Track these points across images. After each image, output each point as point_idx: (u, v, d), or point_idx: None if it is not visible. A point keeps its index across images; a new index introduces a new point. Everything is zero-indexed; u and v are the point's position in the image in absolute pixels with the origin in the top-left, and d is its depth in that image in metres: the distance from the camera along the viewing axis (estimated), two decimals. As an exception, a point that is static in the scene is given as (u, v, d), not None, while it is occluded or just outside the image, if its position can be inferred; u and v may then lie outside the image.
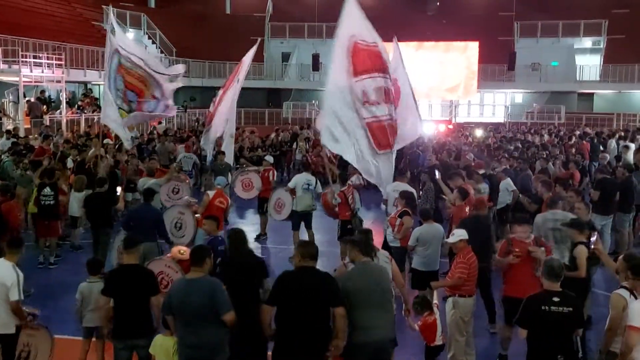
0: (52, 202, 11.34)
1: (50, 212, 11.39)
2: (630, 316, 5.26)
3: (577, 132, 25.54)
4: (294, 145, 22.16)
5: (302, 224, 12.15)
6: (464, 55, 38.45)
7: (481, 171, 12.30)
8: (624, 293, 5.65)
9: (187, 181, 13.71)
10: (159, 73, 13.72)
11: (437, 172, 11.81)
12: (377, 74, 9.39)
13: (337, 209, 11.21)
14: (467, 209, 9.75)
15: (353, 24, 9.09)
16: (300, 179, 12.31)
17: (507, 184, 12.19)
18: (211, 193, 10.98)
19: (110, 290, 6.24)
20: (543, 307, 5.43)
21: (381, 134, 9.45)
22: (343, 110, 9.08)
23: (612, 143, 21.50)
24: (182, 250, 7.80)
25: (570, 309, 5.39)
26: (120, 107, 13.15)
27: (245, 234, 6.84)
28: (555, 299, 5.42)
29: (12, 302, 6.25)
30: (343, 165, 15.22)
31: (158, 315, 6.13)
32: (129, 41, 15.11)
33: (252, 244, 12.88)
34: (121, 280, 6.24)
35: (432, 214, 9.55)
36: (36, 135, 19.81)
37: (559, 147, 19.37)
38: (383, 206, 10.90)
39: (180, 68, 15.40)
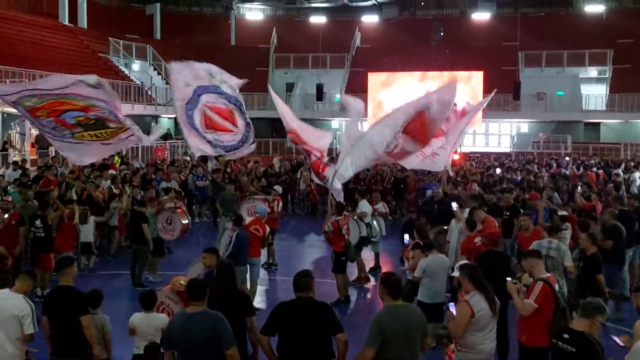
0: (42, 235, 11.04)
1: (41, 245, 11.07)
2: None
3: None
4: (298, 175, 22.06)
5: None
6: (469, 85, 38.53)
7: (562, 212, 11.52)
8: None
9: (178, 205, 13.67)
10: None
11: (454, 204, 11.58)
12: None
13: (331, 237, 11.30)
14: (476, 240, 9.62)
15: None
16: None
17: None
18: (248, 219, 11.30)
19: (45, 310, 6.51)
20: (554, 340, 5.38)
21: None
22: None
23: (620, 173, 21.34)
24: (181, 281, 7.68)
25: (574, 349, 5.21)
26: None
27: (233, 266, 6.80)
28: (565, 336, 5.30)
29: (26, 336, 6.20)
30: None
31: (89, 335, 6.36)
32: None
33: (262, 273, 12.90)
34: (54, 301, 6.49)
35: None
36: (42, 166, 19.84)
37: (560, 178, 19.18)
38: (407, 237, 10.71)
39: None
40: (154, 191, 14.27)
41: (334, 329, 5.65)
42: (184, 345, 5.48)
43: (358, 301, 11.77)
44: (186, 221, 13.21)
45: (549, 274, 7.10)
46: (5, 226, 10.57)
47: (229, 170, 20.50)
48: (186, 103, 11.05)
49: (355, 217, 12.21)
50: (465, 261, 7.52)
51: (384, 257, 13.69)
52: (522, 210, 11.69)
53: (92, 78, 10.23)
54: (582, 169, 22.13)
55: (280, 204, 14.44)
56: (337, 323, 5.71)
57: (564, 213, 11.22)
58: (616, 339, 6.38)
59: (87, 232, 12.93)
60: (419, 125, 9.71)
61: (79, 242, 12.79)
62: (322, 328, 5.66)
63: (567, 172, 21.42)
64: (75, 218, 12.52)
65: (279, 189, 14.73)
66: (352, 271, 12.26)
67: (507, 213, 12.23)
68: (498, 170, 21.21)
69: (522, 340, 6.76)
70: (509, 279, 7.14)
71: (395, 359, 5.58)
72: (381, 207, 13.61)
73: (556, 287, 6.91)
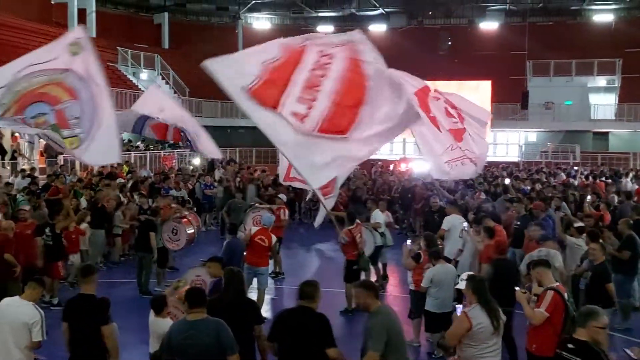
0: (50, 243, 11.08)
1: (50, 253, 11.09)
2: None
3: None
4: (306, 185, 22.03)
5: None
6: (476, 94, 38.35)
7: (578, 224, 11.28)
8: None
9: (184, 215, 13.63)
10: None
11: (465, 224, 11.38)
12: (290, 82, 6.77)
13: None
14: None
15: (231, 81, 7.02)
16: None
17: None
18: (254, 229, 11.25)
19: (66, 316, 6.42)
20: (558, 351, 5.32)
21: (333, 122, 6.87)
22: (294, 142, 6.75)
23: (629, 183, 21.28)
24: None
25: (579, 359, 5.14)
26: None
27: (241, 274, 6.79)
28: (570, 346, 5.23)
29: (34, 343, 6.22)
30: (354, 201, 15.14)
31: (110, 345, 6.31)
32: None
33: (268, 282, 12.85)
34: (76, 308, 6.40)
35: None
36: (51, 174, 19.91)
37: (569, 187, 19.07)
38: (409, 242, 10.60)
39: None
40: (170, 199, 14.32)
41: (328, 343, 5.66)
42: (186, 352, 5.46)
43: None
44: (191, 231, 13.20)
45: (558, 283, 7.05)
46: (18, 235, 10.51)
47: (238, 179, 20.54)
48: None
49: (369, 228, 12.19)
50: (471, 272, 7.47)
51: (391, 267, 13.62)
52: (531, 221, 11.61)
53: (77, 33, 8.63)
54: (590, 179, 22.03)
55: (286, 212, 14.42)
56: (332, 337, 5.72)
57: (580, 224, 11.13)
58: (628, 351, 6.33)
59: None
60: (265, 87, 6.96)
61: None
62: (320, 339, 5.67)
63: (576, 182, 21.34)
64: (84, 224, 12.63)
65: (283, 197, 14.75)
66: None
67: (518, 223, 12.19)
68: (507, 180, 21.12)
69: (531, 349, 6.71)
70: (517, 288, 7.10)
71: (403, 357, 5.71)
72: (385, 216, 13.49)
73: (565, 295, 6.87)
